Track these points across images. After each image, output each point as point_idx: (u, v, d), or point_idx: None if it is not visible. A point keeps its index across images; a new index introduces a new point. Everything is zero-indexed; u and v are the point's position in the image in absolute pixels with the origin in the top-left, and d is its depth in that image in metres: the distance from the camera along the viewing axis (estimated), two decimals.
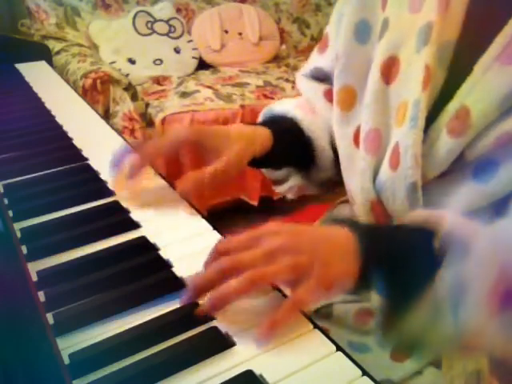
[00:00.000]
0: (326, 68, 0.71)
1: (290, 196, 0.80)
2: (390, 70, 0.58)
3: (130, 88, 1.95)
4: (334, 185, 0.78)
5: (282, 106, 0.76)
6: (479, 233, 0.44)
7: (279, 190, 0.80)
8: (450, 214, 0.46)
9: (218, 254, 0.45)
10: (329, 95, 0.71)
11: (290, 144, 0.71)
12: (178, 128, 0.64)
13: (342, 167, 0.67)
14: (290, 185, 0.78)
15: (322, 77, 0.73)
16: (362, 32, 0.62)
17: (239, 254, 0.44)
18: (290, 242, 0.44)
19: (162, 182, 0.68)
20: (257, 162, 0.66)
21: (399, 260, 0.46)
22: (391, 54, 0.58)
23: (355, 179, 0.63)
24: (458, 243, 0.43)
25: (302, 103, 0.76)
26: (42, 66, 1.32)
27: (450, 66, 0.55)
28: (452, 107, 0.52)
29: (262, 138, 0.66)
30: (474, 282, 0.42)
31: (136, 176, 0.62)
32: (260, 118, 0.79)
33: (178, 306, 0.45)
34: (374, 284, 0.47)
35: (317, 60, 0.74)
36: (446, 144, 0.52)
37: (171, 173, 0.68)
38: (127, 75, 2.11)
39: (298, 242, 0.45)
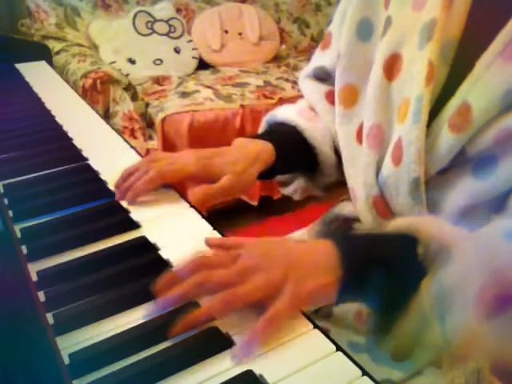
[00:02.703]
0: (328, 66, 0.71)
1: (295, 197, 0.80)
2: (392, 67, 0.59)
3: (129, 88, 1.95)
4: (338, 185, 0.79)
5: (284, 114, 0.76)
6: (464, 239, 0.44)
7: (285, 191, 0.81)
8: (433, 220, 0.47)
9: (193, 266, 0.45)
10: (330, 97, 0.72)
11: (294, 155, 0.73)
12: (185, 160, 0.64)
13: (345, 164, 0.67)
14: (295, 187, 0.79)
15: (324, 76, 0.73)
16: (365, 30, 0.62)
17: (213, 272, 0.44)
18: (263, 260, 0.45)
19: None
20: (262, 175, 0.68)
21: (383, 268, 0.46)
22: (394, 51, 0.58)
23: (358, 175, 0.63)
24: (440, 250, 0.43)
25: (304, 110, 0.76)
26: (41, 66, 1.32)
27: (453, 63, 0.55)
28: (454, 103, 0.52)
29: (265, 154, 0.67)
30: (460, 287, 0.42)
31: (136, 200, 0.62)
32: (263, 126, 0.80)
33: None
34: (358, 294, 0.47)
35: (319, 59, 0.74)
36: (447, 139, 0.52)
37: None
38: (127, 75, 2.11)
39: (272, 258, 0.45)
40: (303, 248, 0.48)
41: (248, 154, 0.65)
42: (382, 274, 0.45)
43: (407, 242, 0.45)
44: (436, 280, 0.43)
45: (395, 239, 0.48)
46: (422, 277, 0.43)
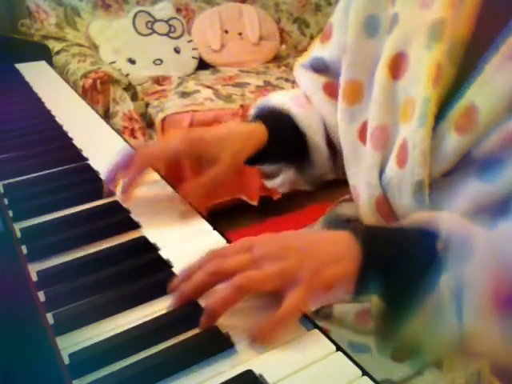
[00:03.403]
0: (328, 59, 0.71)
1: (281, 190, 0.79)
2: (398, 65, 0.58)
3: (129, 88, 1.95)
4: (338, 185, 0.78)
5: (277, 100, 0.75)
6: (478, 236, 0.44)
7: (270, 183, 0.79)
8: (450, 215, 0.46)
9: (206, 258, 0.45)
10: (328, 89, 0.71)
11: (285, 141, 0.71)
12: (171, 138, 0.62)
13: (346, 163, 0.66)
14: (281, 179, 0.77)
15: (322, 68, 0.72)
16: (371, 26, 0.62)
17: (225, 260, 0.44)
18: (277, 249, 0.44)
19: (162, 182, 0.67)
20: (252, 160, 0.66)
21: (401, 261, 0.46)
22: (400, 49, 0.58)
23: (361, 175, 0.63)
24: (458, 245, 0.43)
25: (297, 97, 0.75)
26: (41, 66, 1.32)
27: (460, 63, 0.54)
28: (461, 105, 0.52)
29: (258, 136, 0.66)
30: (472, 285, 0.42)
31: (131, 189, 0.61)
32: (253, 110, 0.78)
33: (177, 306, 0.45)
34: (374, 285, 0.46)
35: (318, 50, 0.73)
36: (452, 141, 0.52)
37: (170, 172, 0.68)
38: (127, 75, 2.11)
39: (287, 248, 0.44)
40: (320, 237, 0.47)
41: (241, 136, 0.64)
42: (399, 266, 0.45)
43: (426, 237, 0.45)
44: (452, 276, 0.42)
45: (415, 233, 0.47)
46: (438, 271, 0.43)
